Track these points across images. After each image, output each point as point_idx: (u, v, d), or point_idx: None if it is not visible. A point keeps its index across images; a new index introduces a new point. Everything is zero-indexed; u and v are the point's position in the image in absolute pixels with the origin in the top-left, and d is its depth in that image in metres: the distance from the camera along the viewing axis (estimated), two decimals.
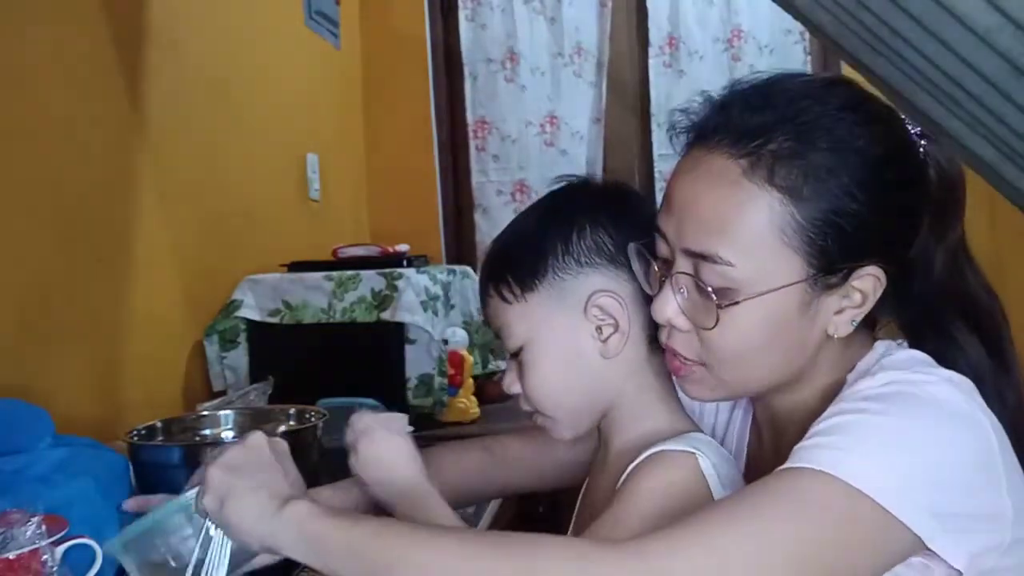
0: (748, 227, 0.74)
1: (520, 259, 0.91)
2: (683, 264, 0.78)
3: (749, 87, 0.79)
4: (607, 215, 0.91)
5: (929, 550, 0.68)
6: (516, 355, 0.92)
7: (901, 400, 0.71)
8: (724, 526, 0.66)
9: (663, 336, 0.83)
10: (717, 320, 0.75)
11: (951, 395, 0.72)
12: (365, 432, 0.94)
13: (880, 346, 0.82)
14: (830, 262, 0.75)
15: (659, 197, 0.87)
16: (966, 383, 0.75)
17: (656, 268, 0.82)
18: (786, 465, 0.70)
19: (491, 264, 0.95)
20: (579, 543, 0.70)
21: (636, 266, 0.86)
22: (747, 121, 0.75)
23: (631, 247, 0.86)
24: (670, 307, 0.79)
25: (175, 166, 1.85)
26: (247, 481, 0.78)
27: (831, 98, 0.76)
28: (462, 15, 3.15)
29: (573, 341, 0.90)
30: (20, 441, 1.08)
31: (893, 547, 0.68)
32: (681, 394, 0.93)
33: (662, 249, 0.82)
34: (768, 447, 0.90)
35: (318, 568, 0.74)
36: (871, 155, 0.75)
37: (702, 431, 0.92)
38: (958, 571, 0.69)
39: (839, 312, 0.77)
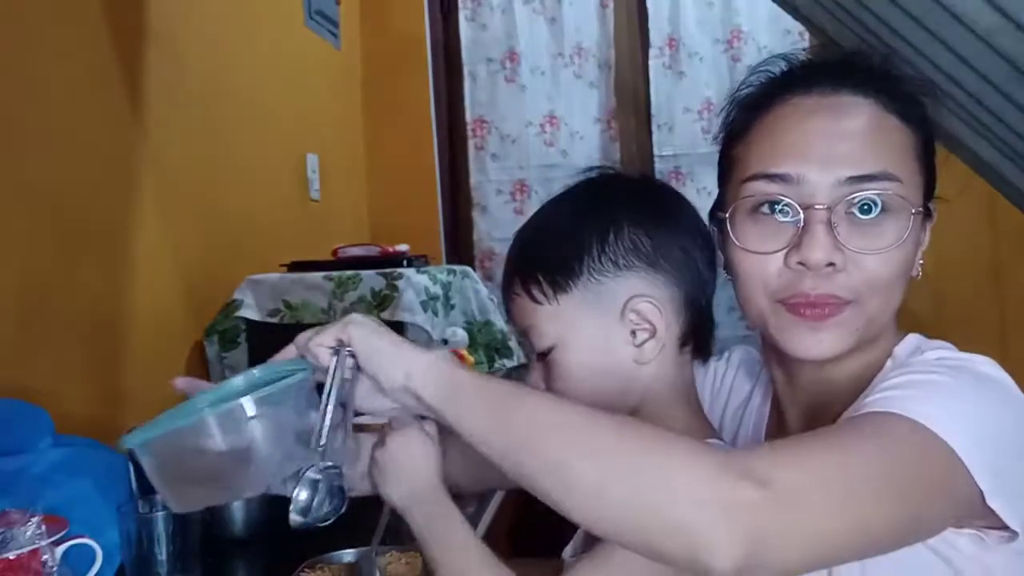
0: (898, 148, 0.80)
1: (552, 257, 0.87)
2: (838, 195, 0.79)
3: (833, 50, 0.91)
4: (645, 213, 0.88)
5: (981, 523, 0.71)
6: (543, 355, 0.89)
7: (959, 371, 0.75)
8: (818, 453, 0.67)
9: (806, 286, 0.80)
10: (909, 230, 0.79)
11: (1000, 374, 0.76)
12: (401, 430, 0.91)
13: (912, 336, 0.85)
14: (930, 192, 0.83)
15: None
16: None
17: (790, 216, 0.80)
18: (864, 410, 0.72)
19: (519, 260, 0.91)
20: (709, 459, 0.65)
21: (750, 223, 0.83)
22: (858, 65, 0.83)
23: (723, 216, 0.84)
24: (823, 246, 0.78)
25: (175, 166, 1.85)
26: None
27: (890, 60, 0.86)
28: (462, 15, 3.15)
29: (606, 345, 0.87)
30: (20, 441, 1.08)
31: (959, 495, 0.69)
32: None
33: (790, 195, 0.80)
34: (797, 430, 0.89)
35: (446, 417, 0.74)
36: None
37: (719, 436, 0.91)
38: (1012, 536, 0.71)
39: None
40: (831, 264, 0.78)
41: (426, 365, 0.76)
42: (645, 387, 0.88)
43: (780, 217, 0.80)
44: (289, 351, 0.86)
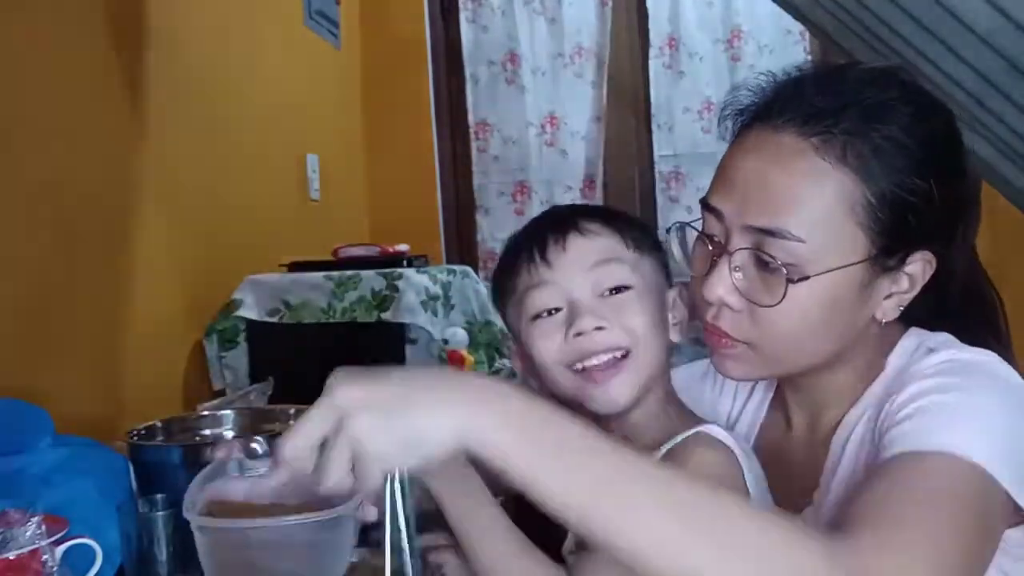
0: (820, 204, 0.75)
1: (636, 226, 0.93)
2: (742, 242, 0.78)
3: (814, 72, 0.81)
4: None
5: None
6: (614, 291, 0.89)
7: (968, 373, 0.74)
8: (914, 534, 0.65)
9: (709, 315, 0.82)
10: (784, 296, 0.76)
11: (1006, 368, 0.76)
12: None
13: (915, 331, 0.84)
14: (892, 243, 0.77)
15: (659, 197, 0.87)
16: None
17: (709, 247, 0.82)
18: (906, 448, 0.70)
19: (615, 211, 0.94)
20: (817, 553, 0.61)
21: (675, 247, 0.86)
22: (817, 102, 0.77)
23: (673, 226, 0.86)
24: (724, 285, 0.79)
25: (175, 166, 1.85)
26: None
27: (892, 86, 0.79)
28: (463, 16, 3.15)
29: (660, 310, 0.90)
30: (20, 441, 1.08)
31: (1002, 517, 0.70)
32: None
33: (712, 228, 0.82)
34: (801, 426, 0.90)
35: (519, 467, 0.59)
36: (934, 139, 0.78)
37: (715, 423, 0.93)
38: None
39: (888, 297, 0.80)
40: (727, 304, 0.80)
41: (491, 412, 0.60)
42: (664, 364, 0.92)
43: (708, 245, 0.82)
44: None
